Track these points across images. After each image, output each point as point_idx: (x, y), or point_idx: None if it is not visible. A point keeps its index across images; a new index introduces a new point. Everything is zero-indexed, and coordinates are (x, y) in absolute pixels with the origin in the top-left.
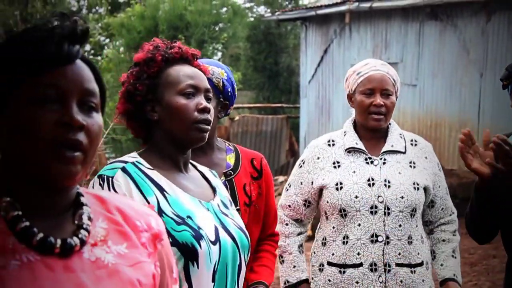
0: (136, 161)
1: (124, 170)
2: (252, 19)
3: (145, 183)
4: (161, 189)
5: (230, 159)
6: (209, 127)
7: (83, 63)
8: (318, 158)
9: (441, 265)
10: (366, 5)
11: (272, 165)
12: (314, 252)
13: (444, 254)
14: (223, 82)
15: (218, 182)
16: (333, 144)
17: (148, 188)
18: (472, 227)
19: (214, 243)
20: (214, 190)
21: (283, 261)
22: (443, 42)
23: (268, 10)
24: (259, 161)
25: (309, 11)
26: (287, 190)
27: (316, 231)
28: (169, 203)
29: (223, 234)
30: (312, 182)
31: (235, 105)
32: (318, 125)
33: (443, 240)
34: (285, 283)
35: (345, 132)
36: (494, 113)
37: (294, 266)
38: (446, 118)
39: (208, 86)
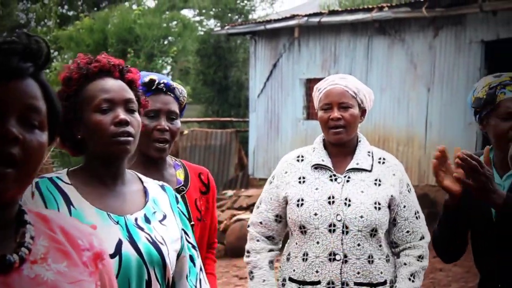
0: (56, 176)
1: (36, 184)
2: (202, 33)
3: (53, 198)
4: (69, 203)
5: (180, 175)
6: (130, 139)
7: (33, 81)
8: (286, 172)
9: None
10: (315, 19)
11: (221, 179)
12: (280, 267)
13: (400, 277)
14: (185, 102)
15: (161, 196)
16: (302, 160)
17: (53, 201)
18: (441, 246)
19: (112, 256)
20: (145, 204)
21: (253, 276)
22: (391, 56)
23: (218, 24)
24: (206, 176)
25: (258, 26)
26: (258, 207)
27: (286, 245)
28: (70, 216)
29: (127, 248)
30: (281, 197)
31: (184, 119)
32: (267, 139)
33: (404, 264)
34: None
35: (314, 148)
36: (441, 127)
37: (264, 281)
38: (394, 133)
39: (129, 97)
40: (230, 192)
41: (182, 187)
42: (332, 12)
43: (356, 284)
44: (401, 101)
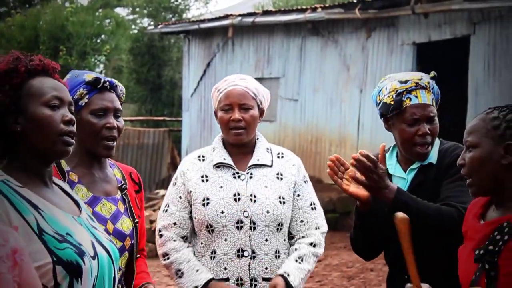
0: (5, 179)
1: None
2: (135, 31)
3: (20, 202)
4: (35, 207)
5: (117, 174)
6: (73, 141)
7: None
8: (188, 169)
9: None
10: (249, 19)
11: (153, 179)
12: None
13: (287, 259)
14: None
15: (77, 196)
16: (203, 159)
17: (24, 207)
18: (359, 247)
19: (93, 258)
20: (77, 204)
21: (182, 273)
22: (324, 57)
23: (152, 23)
24: (136, 175)
25: (192, 25)
26: (166, 210)
27: None
28: (46, 221)
29: (99, 249)
30: (189, 192)
31: None
32: (200, 139)
33: (295, 249)
34: None
35: (214, 148)
36: (373, 128)
37: (197, 270)
38: (326, 133)
39: (71, 99)
40: (162, 192)
41: (124, 185)
42: (266, 13)
43: (264, 279)
44: (334, 102)
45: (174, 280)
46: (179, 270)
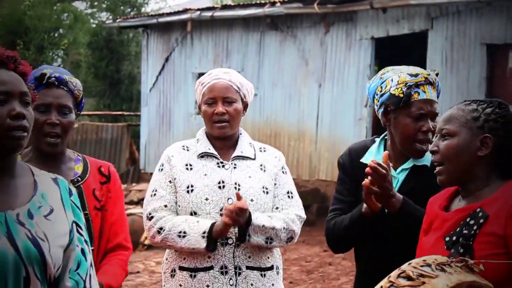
0: None
1: None
2: (94, 25)
3: None
4: None
5: (78, 168)
6: (25, 134)
7: None
8: (173, 156)
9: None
10: (208, 14)
11: None
12: (166, 259)
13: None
14: (82, 95)
15: (51, 190)
16: (188, 150)
17: None
18: (338, 243)
19: None
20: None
21: (185, 232)
22: (283, 52)
23: (110, 17)
24: (106, 168)
25: (150, 19)
26: (155, 195)
27: None
28: None
29: (3, 245)
30: (174, 179)
31: None
32: (158, 134)
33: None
34: (203, 234)
35: (198, 139)
36: (331, 123)
37: (198, 221)
38: (285, 127)
39: (24, 90)
40: (122, 186)
41: (78, 178)
42: (225, 7)
43: (248, 268)
44: (292, 96)
45: (178, 245)
46: (180, 231)
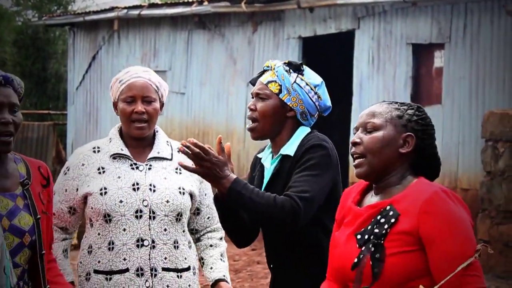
0: None
1: None
2: (19, 23)
3: None
4: None
5: (21, 169)
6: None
7: None
8: (83, 164)
9: (211, 268)
10: (135, 12)
11: None
12: (81, 262)
13: (212, 258)
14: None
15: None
16: (99, 151)
17: None
18: (227, 233)
19: None
20: None
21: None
22: (211, 51)
23: (36, 15)
24: (45, 169)
25: (77, 17)
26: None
27: (82, 240)
28: None
29: None
30: (77, 189)
31: None
32: (85, 133)
33: (211, 245)
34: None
35: (110, 139)
36: None
37: (59, 270)
38: (213, 126)
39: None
40: None
41: (26, 180)
42: (152, 5)
43: (164, 269)
44: (220, 95)
45: None
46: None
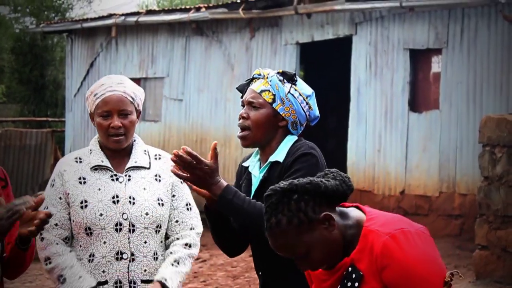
0: None
1: None
2: (17, 30)
3: None
4: None
5: None
6: None
7: None
8: (65, 171)
9: (159, 271)
10: (133, 19)
11: (36, 180)
12: None
13: (164, 263)
14: None
15: None
16: (80, 161)
17: None
18: (217, 243)
19: None
20: None
21: (64, 279)
22: (208, 57)
23: (34, 22)
24: (1, 170)
25: (74, 24)
26: None
27: None
28: None
29: None
30: (68, 194)
31: None
32: (83, 139)
33: (170, 253)
34: None
35: (91, 150)
36: None
37: (80, 277)
38: (211, 133)
39: None
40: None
41: None
42: (150, 12)
43: (143, 281)
44: (218, 101)
45: (56, 286)
46: (61, 276)
